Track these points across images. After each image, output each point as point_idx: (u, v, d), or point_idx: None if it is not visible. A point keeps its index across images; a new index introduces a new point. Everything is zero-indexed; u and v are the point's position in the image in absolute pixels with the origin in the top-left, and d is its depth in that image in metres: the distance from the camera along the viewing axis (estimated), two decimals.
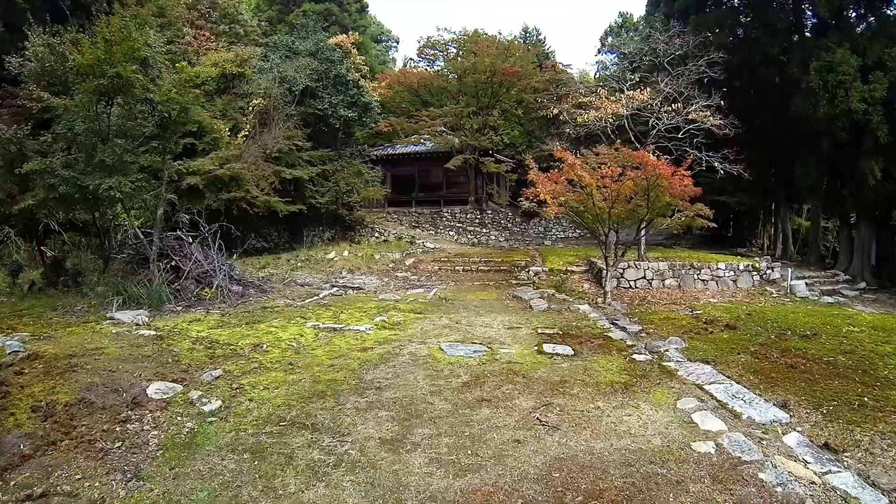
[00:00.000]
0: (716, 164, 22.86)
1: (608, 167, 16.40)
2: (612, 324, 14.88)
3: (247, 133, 29.17)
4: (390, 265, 24.62)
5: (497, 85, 33.13)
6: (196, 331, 12.77)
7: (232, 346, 11.35)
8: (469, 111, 33.49)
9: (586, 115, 23.27)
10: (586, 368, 10.10)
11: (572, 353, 11.05)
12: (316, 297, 18.13)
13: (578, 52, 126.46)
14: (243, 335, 12.33)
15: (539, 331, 12.85)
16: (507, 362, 10.14)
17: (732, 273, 24.72)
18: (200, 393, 8.58)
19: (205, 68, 32.27)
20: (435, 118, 33.05)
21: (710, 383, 9.82)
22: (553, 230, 35.93)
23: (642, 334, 14.67)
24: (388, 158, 38.15)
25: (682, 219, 18.66)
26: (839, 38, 26.97)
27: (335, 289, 20.12)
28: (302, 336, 12.22)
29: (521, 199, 18.38)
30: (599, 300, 18.74)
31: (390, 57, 51.42)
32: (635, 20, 46.02)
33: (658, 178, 15.92)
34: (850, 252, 29.84)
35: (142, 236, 18.23)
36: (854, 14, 28.85)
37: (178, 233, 19.66)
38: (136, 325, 13.46)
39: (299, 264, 25.51)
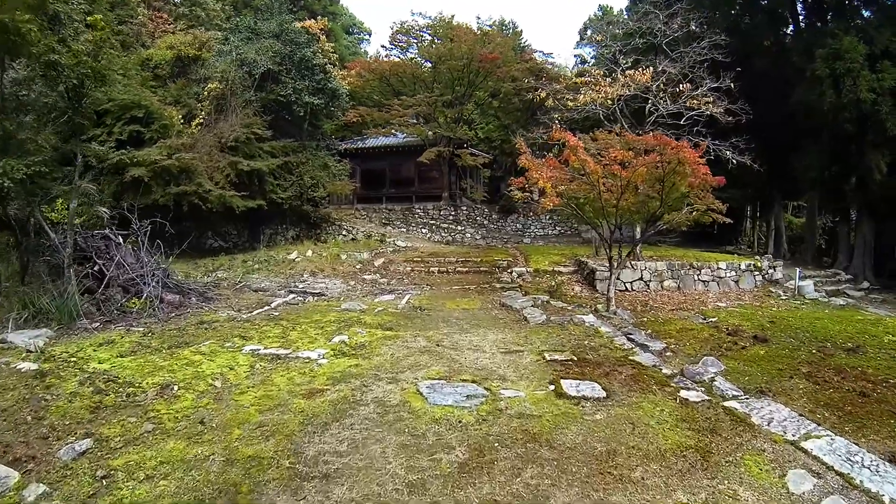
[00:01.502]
0: (727, 153, 19.62)
1: (617, 151, 13.05)
2: (629, 339, 11.68)
3: (201, 121, 25.39)
4: (358, 266, 21.07)
5: (474, 73, 29.72)
6: (98, 361, 9.44)
7: (133, 389, 7.95)
8: (444, 100, 30.02)
9: (581, 98, 19.80)
10: (633, 423, 6.76)
11: (603, 394, 7.69)
12: (267, 307, 14.57)
13: (554, 48, 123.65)
14: (156, 368, 8.91)
15: (547, 356, 9.45)
16: (519, 416, 6.73)
17: (734, 273, 21.89)
18: (43, 490, 5.16)
19: (158, 51, 28.42)
20: (407, 108, 29.51)
21: (805, 437, 6.97)
22: (532, 227, 32.67)
23: (667, 353, 11.63)
24: (358, 152, 34.55)
25: (693, 213, 15.38)
26: (845, 25, 24.17)
27: (292, 295, 16.54)
28: (232, 369, 8.75)
29: (511, 188, 14.97)
30: (600, 307, 15.51)
31: (362, 49, 47.73)
32: (615, 13, 42.88)
33: (679, 163, 12.61)
34: (850, 250, 27.06)
35: (53, 235, 14.46)
36: (859, 1, 26.00)
37: (107, 232, 15.92)
38: (28, 351, 10.15)
39: (256, 266, 21.86)
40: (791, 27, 28.68)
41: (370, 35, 51.54)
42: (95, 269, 14.86)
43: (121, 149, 22.67)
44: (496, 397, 7.25)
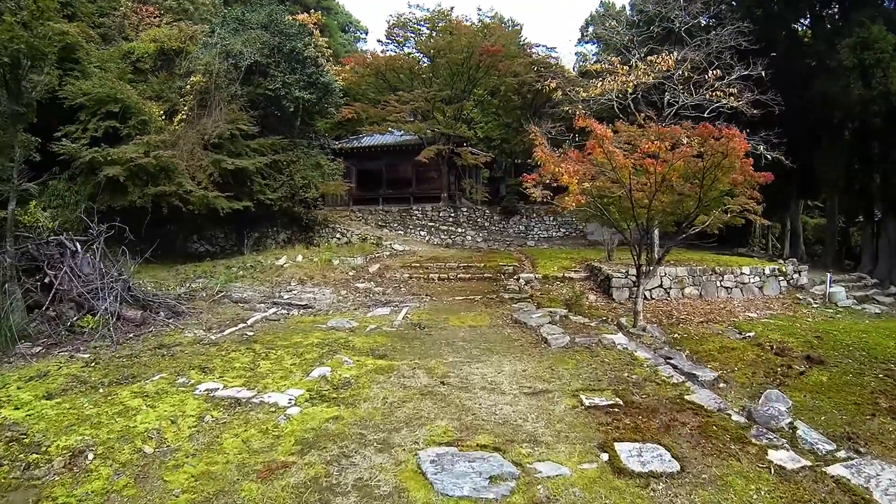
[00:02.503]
0: (760, 148, 17.28)
1: (650, 142, 10.77)
2: (672, 366, 9.38)
3: (184, 117, 23.03)
4: (351, 273, 18.75)
5: (474, 67, 27.40)
6: (15, 406, 7.54)
7: (36, 456, 5.90)
8: (443, 96, 27.70)
9: (599, 87, 17.35)
10: None
11: (676, 466, 5.41)
12: (243, 325, 12.26)
13: (554, 46, 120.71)
14: (80, 419, 6.78)
15: (584, 399, 7.17)
16: None
17: (758, 279, 19.74)
18: None
19: (141, 44, 26.01)
20: (404, 104, 27.16)
21: None
22: (535, 229, 30.36)
23: (720, 384, 9.35)
24: (353, 152, 32.21)
25: (727, 215, 13.13)
26: (872, 13, 21.97)
27: (275, 309, 14.26)
28: (174, 422, 6.52)
29: (524, 186, 12.66)
30: (623, 320, 13.24)
31: (358, 48, 45.28)
32: (618, 8, 40.57)
33: (724, 155, 10.35)
34: (874, 252, 24.75)
35: None
36: None
37: (62, 237, 13.62)
38: None
39: (241, 273, 19.56)
40: (808, 18, 26.44)
41: (366, 34, 49.24)
42: (46, 280, 12.58)
43: (95, 146, 20.45)
44: (531, 479, 4.94)
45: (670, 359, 10.08)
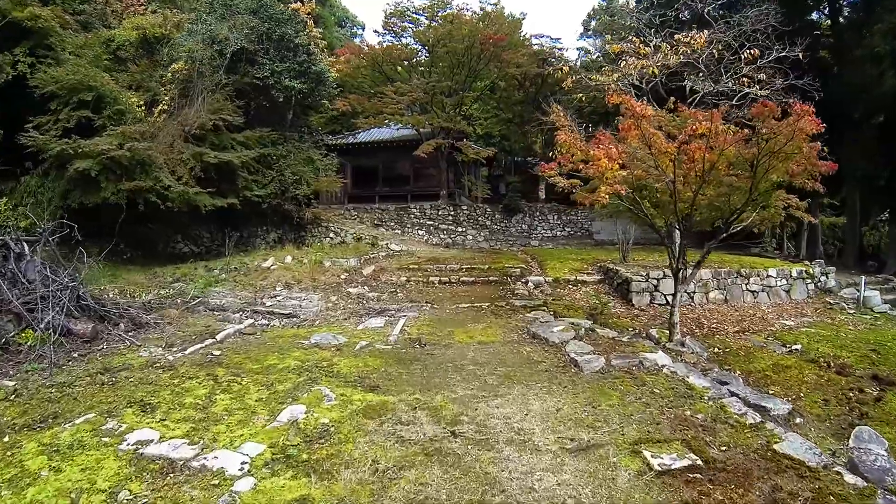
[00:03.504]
0: None
1: (698, 124, 8.70)
2: (734, 395, 7.35)
3: (165, 107, 20.90)
4: (343, 276, 16.64)
5: (476, 57, 25.26)
6: None
7: None
8: (443, 87, 25.56)
9: (623, 67, 15.04)
10: None
11: None
12: (210, 341, 10.14)
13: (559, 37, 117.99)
14: None
15: (650, 458, 5.11)
16: None
17: (785, 281, 17.81)
18: None
19: (122, 31, 23.87)
20: (402, 95, 25.00)
21: None
22: (538, 228, 28.28)
23: (796, 418, 7.33)
24: (349, 148, 30.09)
25: (770, 212, 11.12)
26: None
27: (252, 319, 12.15)
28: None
29: (548, 174, 10.51)
30: (654, 332, 11.22)
31: (355, 43, 43.08)
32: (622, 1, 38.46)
33: (791, 138, 8.32)
34: None
35: None
36: None
37: (6, 238, 11.51)
38: None
39: (223, 276, 17.43)
40: (827, 7, 24.39)
41: (363, 29, 47.03)
42: None
43: (64, 137, 18.31)
44: None
45: (725, 383, 8.03)
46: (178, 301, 14.79)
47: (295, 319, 12.24)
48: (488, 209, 28.38)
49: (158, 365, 8.57)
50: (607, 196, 8.91)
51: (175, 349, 9.63)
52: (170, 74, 20.90)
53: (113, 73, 21.51)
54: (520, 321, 11.12)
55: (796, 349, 11.72)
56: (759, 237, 29.81)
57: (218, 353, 9.31)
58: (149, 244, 23.03)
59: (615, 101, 9.04)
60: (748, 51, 14.28)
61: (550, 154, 33.34)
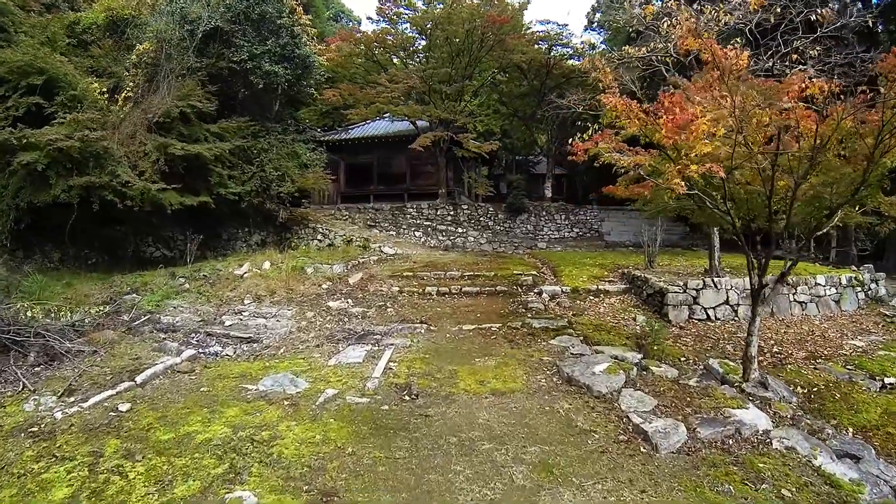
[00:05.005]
0: None
1: (806, 82, 5.74)
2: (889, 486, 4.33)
3: (129, 94, 17.91)
4: (325, 285, 13.68)
5: (478, 43, 22.25)
6: None
7: None
8: (442, 75, 22.54)
9: (668, 31, 11.87)
10: None
11: None
12: (127, 385, 7.24)
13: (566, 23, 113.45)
14: None
15: None
16: None
17: (834, 290, 14.80)
18: None
19: (90, 14, 20.88)
20: (397, 83, 21.98)
21: None
22: (545, 229, 25.29)
23: None
24: (342, 144, 27.10)
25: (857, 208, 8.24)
26: None
27: (199, 348, 9.20)
28: None
29: (578, 154, 7.44)
30: (716, 364, 8.28)
31: None
32: None
33: None
34: None
35: None
36: None
37: None
38: None
39: (187, 285, 14.45)
40: None
41: (360, 24, 43.87)
42: None
43: (10, 126, 15.41)
44: None
45: (856, 457, 5.14)
46: (126, 318, 11.89)
47: (255, 346, 9.30)
48: (490, 208, 25.39)
49: (34, 430, 5.69)
50: (683, 183, 5.95)
51: (74, 398, 6.71)
52: (135, 57, 17.90)
53: (72, 57, 18.57)
54: (544, 352, 8.17)
55: (890, 383, 8.82)
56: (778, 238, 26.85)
57: (127, 407, 6.38)
58: (116, 248, 20.10)
59: (691, 45, 6.10)
60: (816, 11, 11.23)
61: (555, 150, 30.50)
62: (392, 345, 8.53)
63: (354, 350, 8.42)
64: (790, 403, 7.13)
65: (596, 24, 36.32)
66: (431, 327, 9.82)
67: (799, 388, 8.39)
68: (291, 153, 20.06)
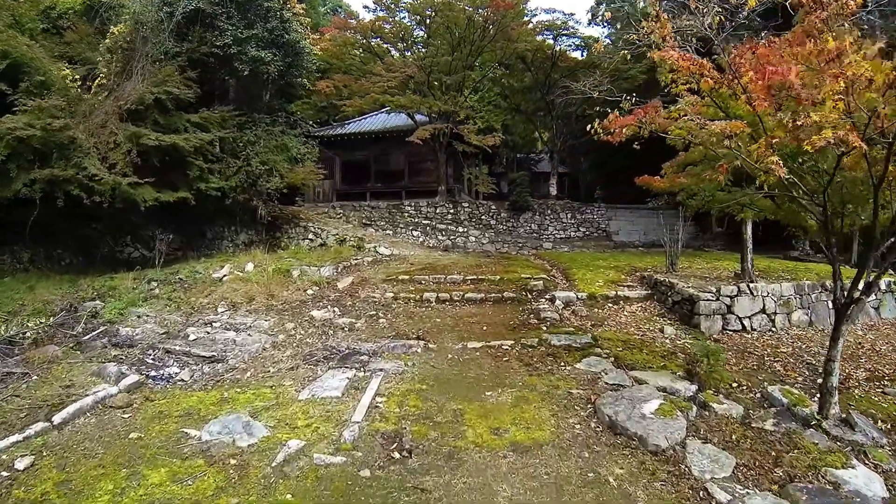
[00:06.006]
0: None
1: None
2: None
3: (104, 80, 16.16)
4: (310, 291, 11.94)
5: (480, 31, 20.49)
6: None
7: None
8: (442, 63, 20.76)
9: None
10: None
11: None
12: (38, 427, 5.52)
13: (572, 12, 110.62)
14: None
15: None
16: None
17: (873, 297, 12.95)
18: None
19: None
20: (394, 71, 20.20)
21: None
22: (550, 228, 23.55)
23: None
24: (337, 140, 25.35)
25: None
26: None
27: (148, 371, 7.47)
28: None
29: (617, 132, 5.68)
30: (775, 391, 6.52)
31: None
32: None
33: None
34: None
35: None
36: None
37: None
38: None
39: (157, 290, 12.73)
40: None
41: (356, 20, 42.05)
42: None
43: None
44: None
45: None
46: (79, 329, 10.18)
47: (218, 366, 7.57)
48: (493, 207, 23.64)
49: None
50: (779, 162, 4.20)
51: None
52: (109, 41, 16.14)
53: (45, 43, 16.84)
54: (570, 380, 6.43)
55: None
56: (790, 236, 25.30)
57: (26, 463, 4.70)
58: (92, 248, 18.34)
59: None
60: None
61: (560, 145, 28.77)
62: (381, 370, 6.78)
63: (334, 377, 6.68)
64: (882, 448, 5.41)
65: (600, 17, 34.61)
66: (430, 344, 8.07)
67: (880, 421, 6.68)
68: (280, 146, 18.31)
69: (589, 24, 35.25)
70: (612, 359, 7.30)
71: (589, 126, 7.32)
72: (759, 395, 7.07)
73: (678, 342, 9.71)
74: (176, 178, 15.76)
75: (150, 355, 8.43)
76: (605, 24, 33.74)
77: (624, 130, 5.74)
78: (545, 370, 6.76)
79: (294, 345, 8.49)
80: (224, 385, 6.84)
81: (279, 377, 6.93)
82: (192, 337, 9.05)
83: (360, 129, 25.73)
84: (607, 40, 30.81)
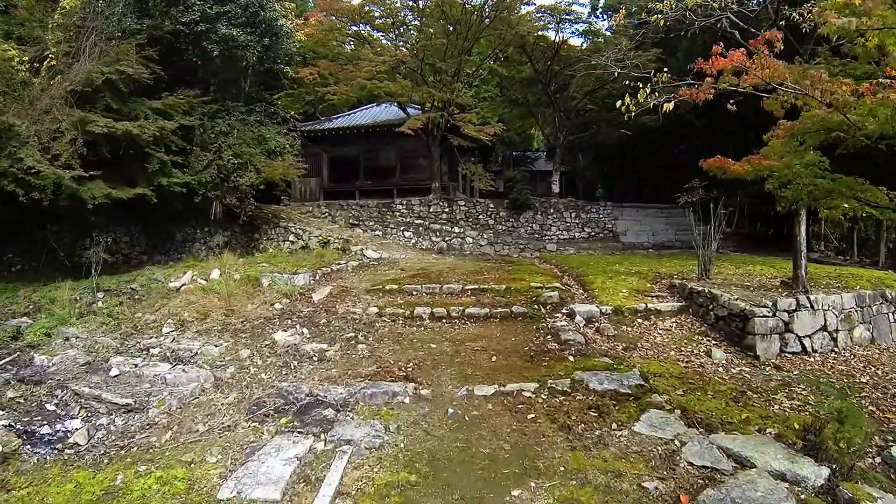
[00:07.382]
0: None
1: None
2: None
3: (53, 62, 13.86)
4: (279, 304, 9.70)
5: (477, 14, 18.28)
6: None
7: None
8: (437, 47, 18.53)
9: None
10: None
11: None
12: None
13: None
14: None
15: None
16: None
17: None
18: None
19: None
20: (383, 54, 17.94)
21: None
22: (552, 228, 21.35)
23: None
24: (325, 135, 23.10)
25: None
26: None
27: (53, 420, 5.22)
28: None
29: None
30: None
31: None
32: None
33: None
34: None
35: None
36: None
37: None
38: None
39: (99, 303, 10.45)
40: None
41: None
42: None
43: None
44: None
45: None
46: None
47: (131, 421, 5.43)
48: (491, 205, 21.42)
49: None
50: None
51: None
52: (59, 16, 13.84)
53: None
54: (636, 460, 4.22)
55: None
56: (806, 237, 23.35)
57: None
58: (48, 252, 16.05)
59: None
60: None
61: (563, 138, 26.63)
62: (349, 442, 4.53)
63: (280, 452, 4.41)
64: None
65: (601, 8, 32.48)
66: (422, 389, 5.82)
67: None
68: (257, 138, 16.03)
69: (589, 16, 32.80)
70: (679, 411, 5.10)
71: (619, 102, 5.55)
72: (877, 457, 4.92)
73: (734, 371, 7.56)
74: (134, 173, 13.49)
75: (55, 399, 6.22)
76: (607, 15, 31.68)
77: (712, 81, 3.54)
78: (592, 439, 4.52)
79: (243, 384, 6.26)
80: (128, 456, 4.63)
81: (205, 444, 4.71)
82: (114, 372, 6.80)
83: (349, 124, 23.49)
84: (609, 33, 28.75)
